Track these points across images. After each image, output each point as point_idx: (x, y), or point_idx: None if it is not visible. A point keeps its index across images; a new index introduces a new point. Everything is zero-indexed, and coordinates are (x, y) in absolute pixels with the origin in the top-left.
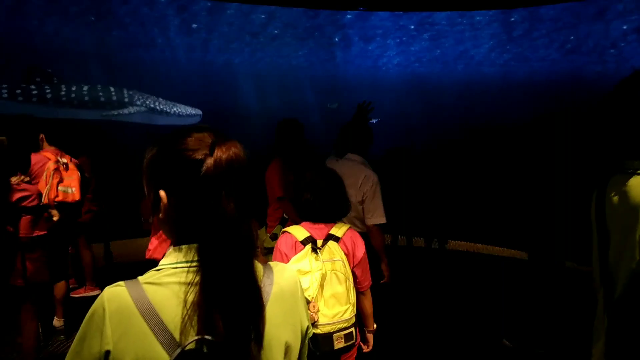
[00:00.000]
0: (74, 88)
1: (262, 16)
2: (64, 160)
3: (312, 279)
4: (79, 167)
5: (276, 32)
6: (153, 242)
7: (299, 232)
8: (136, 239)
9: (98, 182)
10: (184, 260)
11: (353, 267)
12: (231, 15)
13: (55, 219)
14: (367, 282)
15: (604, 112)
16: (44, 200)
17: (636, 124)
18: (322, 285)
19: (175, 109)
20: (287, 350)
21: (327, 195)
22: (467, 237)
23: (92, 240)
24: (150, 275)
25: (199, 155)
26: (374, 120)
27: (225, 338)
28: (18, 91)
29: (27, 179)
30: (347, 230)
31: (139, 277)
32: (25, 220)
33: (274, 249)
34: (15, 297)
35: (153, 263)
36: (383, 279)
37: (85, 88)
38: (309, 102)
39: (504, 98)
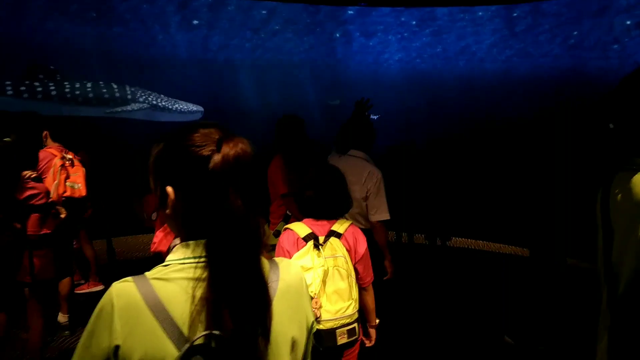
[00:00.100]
0: (77, 85)
1: (263, 12)
2: (69, 156)
3: (314, 275)
4: (82, 163)
5: (277, 28)
6: (158, 235)
7: (300, 228)
8: (138, 235)
9: (96, 178)
10: (191, 256)
11: (355, 263)
12: (232, 11)
13: (62, 216)
14: (369, 278)
15: (608, 108)
16: (53, 196)
17: None
18: (324, 282)
19: (177, 106)
20: (294, 345)
21: (329, 192)
22: (468, 234)
23: (94, 237)
24: (157, 271)
25: (206, 152)
26: (374, 117)
27: (233, 333)
28: (22, 88)
29: (36, 174)
30: (349, 226)
31: (146, 273)
32: (33, 218)
33: (276, 246)
34: (21, 294)
35: (156, 259)
36: (386, 276)
37: (89, 85)
38: (310, 99)
39: (506, 94)
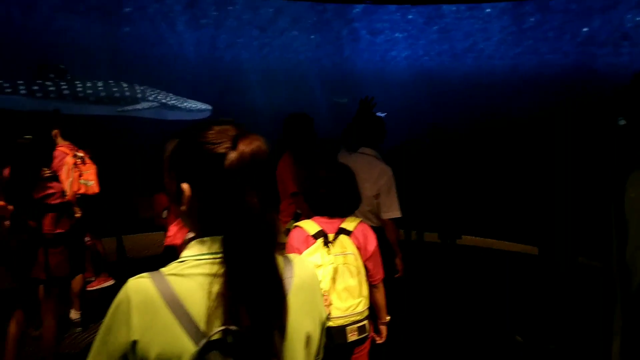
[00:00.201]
0: (88, 84)
1: (270, 10)
2: (80, 154)
3: (324, 273)
4: (93, 161)
5: (284, 26)
6: (172, 229)
7: (310, 226)
8: (148, 233)
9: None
10: (207, 252)
11: (365, 261)
12: (239, 10)
13: (77, 215)
14: (379, 275)
15: (620, 104)
16: (68, 194)
17: None
18: (334, 279)
19: (186, 104)
20: (308, 340)
21: (340, 190)
22: (477, 232)
23: (103, 235)
24: (173, 267)
25: (222, 149)
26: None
27: (250, 328)
28: (35, 87)
29: (52, 173)
30: (358, 224)
31: (162, 269)
32: (49, 217)
33: (286, 244)
34: (35, 291)
35: (166, 255)
36: (397, 273)
37: (100, 84)
38: (317, 97)
39: (515, 91)
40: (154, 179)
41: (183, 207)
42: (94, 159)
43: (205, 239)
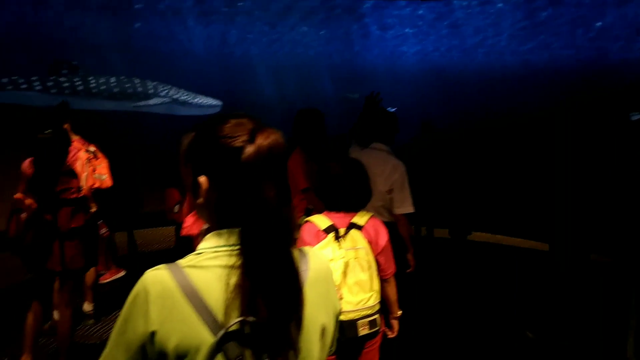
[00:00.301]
0: (102, 80)
1: (280, 6)
2: (92, 149)
3: (335, 267)
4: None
5: (294, 21)
6: (188, 220)
7: (321, 221)
8: (159, 228)
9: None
10: (225, 244)
11: (376, 255)
12: (249, 6)
13: (92, 210)
14: (390, 269)
15: (634, 101)
16: (84, 188)
17: None
18: (345, 273)
19: (197, 100)
20: (323, 331)
21: (350, 185)
22: (487, 228)
23: (115, 229)
24: (190, 259)
25: (239, 142)
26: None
27: (267, 320)
28: (50, 84)
29: (68, 168)
30: (370, 218)
31: (179, 261)
32: (65, 211)
33: (297, 239)
34: (50, 283)
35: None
36: (409, 268)
37: (113, 80)
38: (327, 92)
39: (526, 86)
40: (166, 174)
41: (200, 200)
42: (105, 153)
43: (222, 231)
